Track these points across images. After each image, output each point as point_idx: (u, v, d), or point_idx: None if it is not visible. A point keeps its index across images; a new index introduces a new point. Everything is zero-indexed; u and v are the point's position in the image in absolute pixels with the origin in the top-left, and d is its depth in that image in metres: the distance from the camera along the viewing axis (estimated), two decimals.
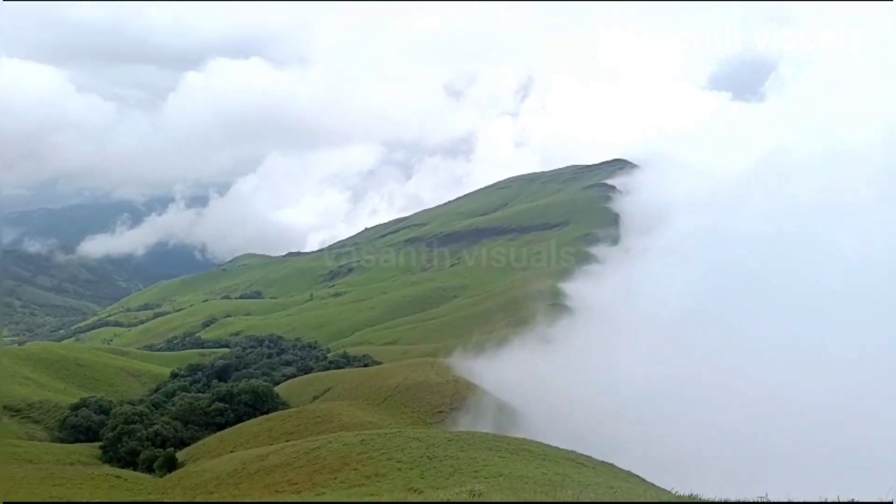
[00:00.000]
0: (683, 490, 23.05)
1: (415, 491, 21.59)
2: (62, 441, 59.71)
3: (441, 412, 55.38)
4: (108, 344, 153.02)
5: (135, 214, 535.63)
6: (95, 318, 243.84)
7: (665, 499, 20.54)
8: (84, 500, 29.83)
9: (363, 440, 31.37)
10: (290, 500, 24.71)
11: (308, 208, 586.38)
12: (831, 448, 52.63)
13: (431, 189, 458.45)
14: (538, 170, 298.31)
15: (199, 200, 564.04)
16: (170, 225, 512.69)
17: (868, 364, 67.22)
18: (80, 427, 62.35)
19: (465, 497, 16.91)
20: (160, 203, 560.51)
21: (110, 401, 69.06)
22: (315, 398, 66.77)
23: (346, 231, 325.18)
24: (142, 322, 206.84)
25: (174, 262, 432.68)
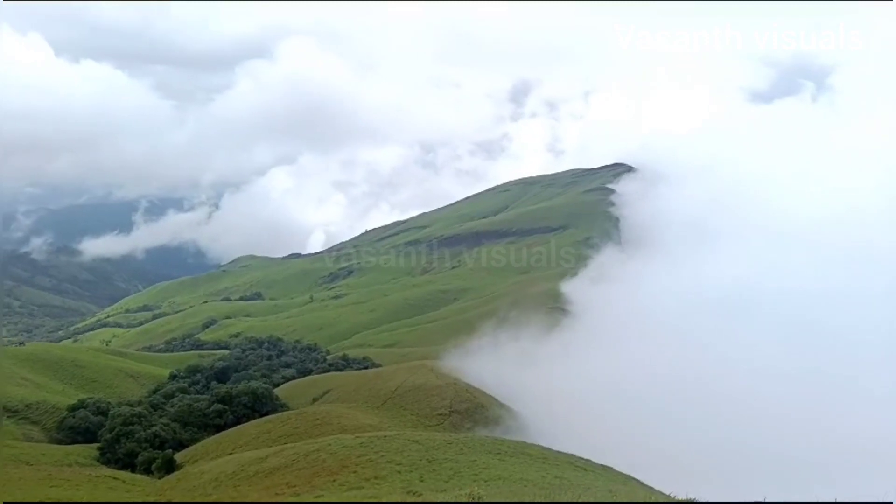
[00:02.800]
0: (682, 493, 22.98)
1: (414, 494, 21.50)
2: (60, 442, 59.55)
3: (441, 415, 55.27)
4: (107, 345, 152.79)
5: (137, 215, 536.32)
6: (94, 318, 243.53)
7: (662, 501, 20.45)
8: (83, 501, 29.73)
9: (362, 443, 31.29)
10: (288, 502, 24.62)
11: (324, 208, 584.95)
12: (827, 450, 52.60)
13: (456, 189, 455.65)
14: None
15: (213, 200, 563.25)
16: (174, 226, 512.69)
17: (863, 375, 67.34)
18: (77, 428, 62.16)
19: (464, 500, 16.81)
20: (165, 204, 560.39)
21: (108, 402, 68.85)
22: (314, 400, 66.62)
23: (360, 231, 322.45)
24: (141, 323, 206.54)
25: (174, 263, 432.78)
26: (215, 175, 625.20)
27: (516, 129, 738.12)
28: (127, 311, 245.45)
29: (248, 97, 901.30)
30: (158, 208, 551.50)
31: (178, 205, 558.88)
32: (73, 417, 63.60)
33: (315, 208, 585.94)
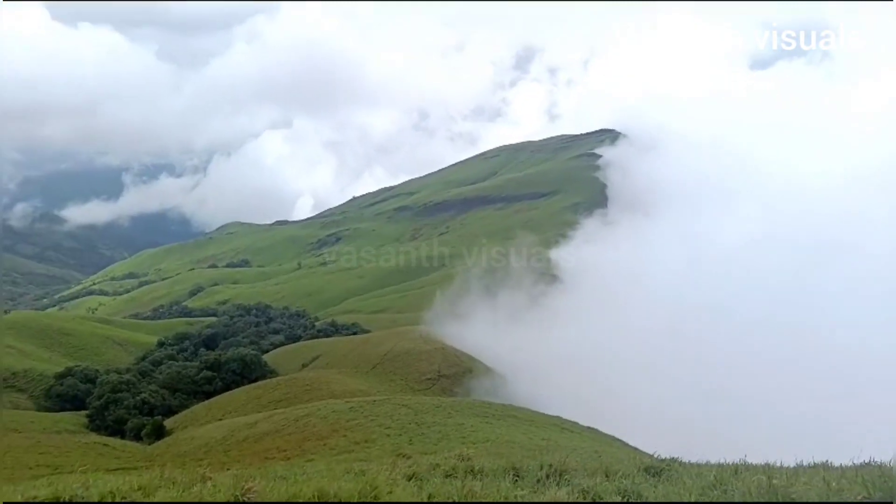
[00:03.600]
0: (665, 454, 23.55)
1: (403, 456, 21.74)
2: (48, 410, 59.57)
3: (429, 379, 55.95)
4: (93, 313, 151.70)
5: (128, 177, 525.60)
6: (79, 286, 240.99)
7: (647, 462, 20.84)
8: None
9: (352, 407, 31.56)
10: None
11: (313, 172, 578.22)
12: (812, 413, 54.12)
13: (450, 154, 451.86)
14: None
15: (203, 166, 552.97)
16: (163, 191, 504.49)
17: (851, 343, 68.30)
18: (65, 396, 62.16)
19: (453, 462, 16.95)
20: (156, 169, 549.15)
21: (96, 370, 68.70)
22: (304, 366, 67.00)
23: (349, 196, 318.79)
24: (127, 291, 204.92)
25: (158, 230, 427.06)
26: (208, 139, 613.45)
27: (514, 94, 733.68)
28: (112, 278, 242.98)
29: (246, 58, 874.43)
30: (151, 172, 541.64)
31: (171, 169, 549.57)
32: (61, 385, 63.48)
33: (304, 172, 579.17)
